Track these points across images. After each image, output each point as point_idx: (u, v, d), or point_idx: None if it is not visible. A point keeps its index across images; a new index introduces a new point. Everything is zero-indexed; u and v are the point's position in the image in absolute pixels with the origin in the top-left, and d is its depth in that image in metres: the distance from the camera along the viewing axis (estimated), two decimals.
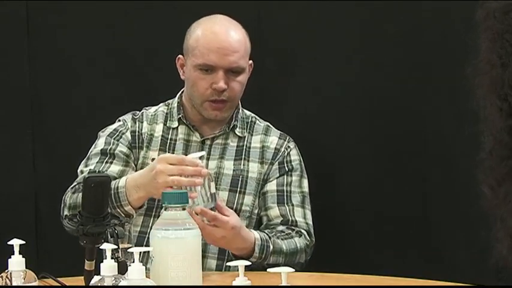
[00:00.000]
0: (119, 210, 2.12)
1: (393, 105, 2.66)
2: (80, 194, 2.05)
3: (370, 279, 2.02)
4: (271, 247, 2.17)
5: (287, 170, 2.34)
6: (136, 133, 2.33)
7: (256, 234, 2.15)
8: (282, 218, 2.29)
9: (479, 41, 0.96)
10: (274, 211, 2.30)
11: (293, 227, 2.28)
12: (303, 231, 2.28)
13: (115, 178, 2.17)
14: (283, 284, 1.29)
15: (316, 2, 2.67)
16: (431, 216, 2.63)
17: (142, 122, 2.34)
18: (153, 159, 2.27)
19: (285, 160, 2.35)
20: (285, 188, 2.32)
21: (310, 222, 2.32)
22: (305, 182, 2.36)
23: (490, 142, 0.94)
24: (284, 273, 1.29)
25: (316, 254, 2.54)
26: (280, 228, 2.27)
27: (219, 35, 2.27)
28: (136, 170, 2.28)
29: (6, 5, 2.76)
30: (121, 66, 2.77)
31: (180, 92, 2.38)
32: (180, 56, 2.35)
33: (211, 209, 2.06)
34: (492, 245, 0.95)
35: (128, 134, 2.31)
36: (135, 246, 2.20)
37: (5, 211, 2.75)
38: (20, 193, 2.79)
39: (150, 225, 2.24)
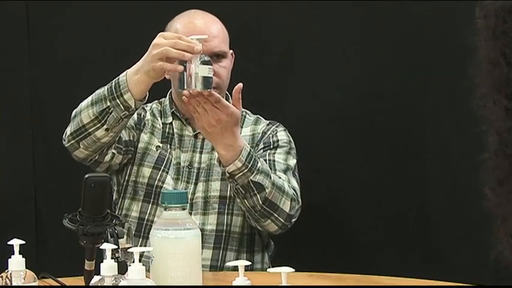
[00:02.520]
0: (118, 101, 2.10)
1: (393, 105, 2.66)
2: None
3: (370, 279, 2.02)
4: (260, 164, 2.13)
5: (272, 147, 2.32)
6: (141, 117, 2.34)
7: (246, 143, 2.14)
8: None
9: (476, 39, 0.96)
10: None
11: None
12: (289, 185, 2.22)
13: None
14: (283, 284, 1.29)
15: (316, 2, 2.68)
16: (431, 217, 2.63)
17: (146, 112, 2.36)
18: (157, 147, 2.29)
19: (270, 140, 2.33)
20: (267, 158, 2.28)
21: (297, 187, 2.25)
22: (292, 160, 2.32)
23: (495, 142, 0.93)
24: (284, 273, 1.29)
25: (316, 253, 2.54)
26: None
27: (198, 24, 2.30)
28: (134, 152, 2.29)
29: (6, 5, 2.76)
30: (121, 67, 2.77)
31: (169, 93, 2.40)
32: None
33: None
34: (492, 244, 0.95)
35: (134, 115, 2.32)
36: (135, 232, 2.23)
37: (5, 211, 2.75)
38: (20, 193, 2.79)
39: (149, 211, 2.26)
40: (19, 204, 2.79)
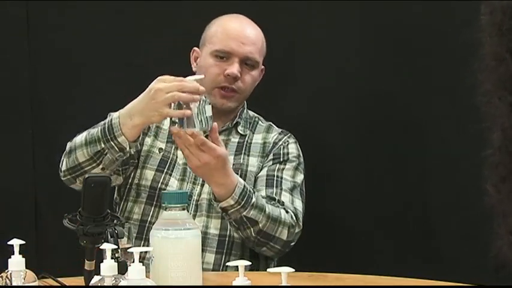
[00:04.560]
0: (112, 143, 2.09)
1: (393, 105, 2.66)
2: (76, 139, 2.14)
3: (370, 279, 2.02)
4: (254, 199, 2.11)
5: (281, 160, 2.32)
6: None
7: (240, 179, 2.12)
8: (268, 198, 2.23)
9: (481, 35, 0.96)
10: (261, 193, 2.25)
11: (279, 205, 2.23)
12: (289, 211, 2.22)
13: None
14: (283, 284, 1.29)
15: (317, 2, 2.67)
16: (432, 216, 2.63)
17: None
18: (160, 149, 2.29)
19: (281, 152, 2.33)
20: (275, 173, 2.29)
21: (300, 209, 2.26)
22: (299, 175, 2.32)
23: (499, 138, 0.93)
24: (284, 273, 1.29)
25: (316, 253, 2.54)
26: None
27: (241, 27, 2.33)
28: (139, 157, 2.29)
29: (6, 5, 2.76)
30: (121, 66, 2.78)
31: None
32: (195, 48, 2.37)
33: (205, 135, 2.06)
34: (492, 241, 0.95)
35: None
36: (137, 234, 2.23)
37: (5, 211, 2.75)
38: (20, 193, 2.79)
39: (151, 213, 2.26)
40: (19, 204, 2.79)
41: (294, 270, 1.30)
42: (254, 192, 2.14)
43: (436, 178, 2.62)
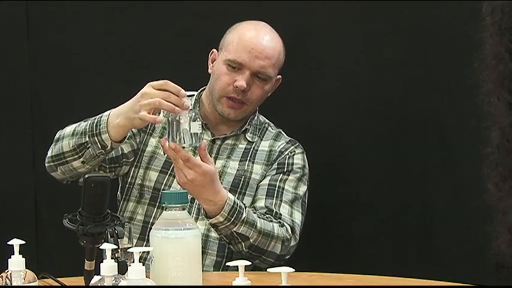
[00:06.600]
0: (96, 138, 2.11)
1: (393, 106, 2.66)
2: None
3: (370, 279, 2.02)
4: (244, 215, 2.10)
5: (285, 170, 2.31)
6: None
7: (230, 196, 2.10)
8: (266, 209, 2.23)
9: (483, 35, 0.96)
10: (261, 202, 2.25)
11: (276, 218, 2.22)
12: (286, 224, 2.21)
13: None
14: (283, 284, 1.29)
15: (317, 2, 2.67)
16: (432, 217, 2.63)
17: (158, 114, 2.34)
18: None
19: (286, 162, 2.33)
20: (277, 184, 2.28)
21: (298, 222, 2.25)
22: (302, 187, 2.32)
23: (497, 137, 0.94)
24: (284, 273, 1.29)
25: (316, 253, 2.54)
26: (262, 212, 2.22)
27: (257, 38, 2.30)
28: (141, 156, 2.30)
29: (6, 5, 2.76)
30: (121, 66, 2.78)
31: (199, 90, 2.39)
32: (214, 50, 2.37)
33: (194, 150, 2.08)
34: (491, 239, 0.95)
35: None
36: (139, 235, 2.23)
37: (5, 211, 2.75)
38: (20, 193, 2.79)
39: (154, 215, 2.26)
40: (19, 204, 2.79)
41: (294, 270, 1.31)
42: (245, 208, 2.13)
43: (437, 178, 2.62)
